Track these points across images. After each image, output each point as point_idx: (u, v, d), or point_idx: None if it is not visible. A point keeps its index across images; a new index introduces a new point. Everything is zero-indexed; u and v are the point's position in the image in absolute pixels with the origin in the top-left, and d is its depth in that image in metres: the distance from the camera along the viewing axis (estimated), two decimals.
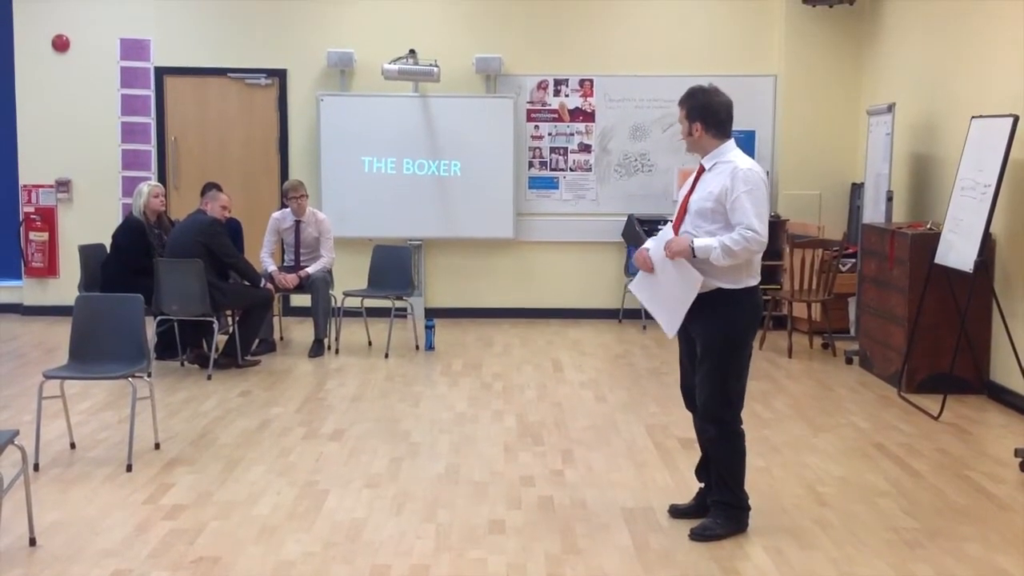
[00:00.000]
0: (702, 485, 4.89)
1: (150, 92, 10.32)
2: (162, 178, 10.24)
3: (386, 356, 8.57)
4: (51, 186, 10.32)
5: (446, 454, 5.89)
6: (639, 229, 10.07)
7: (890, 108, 8.42)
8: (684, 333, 4.71)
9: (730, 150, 4.60)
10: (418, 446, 6.05)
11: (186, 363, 8.08)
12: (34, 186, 10.32)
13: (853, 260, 9.06)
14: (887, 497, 5.18)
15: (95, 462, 5.66)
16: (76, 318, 5.83)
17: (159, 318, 7.83)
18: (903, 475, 5.54)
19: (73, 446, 5.90)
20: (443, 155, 10.31)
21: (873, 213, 8.69)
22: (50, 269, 10.39)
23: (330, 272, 8.94)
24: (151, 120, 10.35)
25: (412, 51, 10.04)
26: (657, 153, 10.40)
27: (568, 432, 6.38)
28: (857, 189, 9.77)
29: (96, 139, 10.29)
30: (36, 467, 5.43)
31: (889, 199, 8.34)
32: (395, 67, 9.94)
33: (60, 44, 10.20)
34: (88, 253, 8.56)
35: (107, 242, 8.41)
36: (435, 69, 9.95)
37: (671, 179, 10.37)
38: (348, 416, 6.71)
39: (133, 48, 10.26)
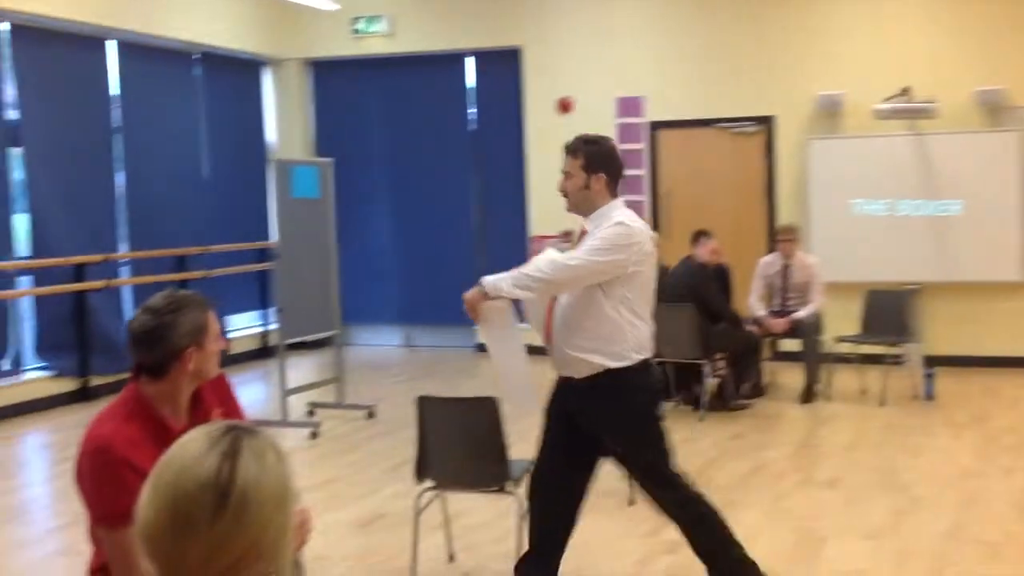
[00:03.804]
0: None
1: (644, 146, 10.87)
2: (656, 227, 10.70)
3: (881, 404, 8.26)
4: (556, 236, 11.17)
5: (951, 510, 5.55)
6: None
7: None
8: (557, 410, 4.20)
9: (616, 208, 4.08)
10: (920, 500, 5.76)
11: (678, 405, 8.34)
12: (542, 237, 11.24)
13: None
14: None
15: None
16: None
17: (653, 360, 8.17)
18: None
19: None
20: (941, 194, 9.79)
21: None
22: None
23: (819, 317, 8.81)
24: (645, 173, 10.88)
25: (905, 88, 9.69)
26: None
27: None
28: None
29: None
30: None
31: None
32: (888, 106, 9.64)
33: (565, 106, 11.07)
34: None
35: None
36: (931, 106, 9.51)
37: None
38: (843, 464, 6.56)
39: (629, 106, 10.88)
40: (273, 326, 10.74)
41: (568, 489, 4.27)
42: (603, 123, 10.92)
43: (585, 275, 3.95)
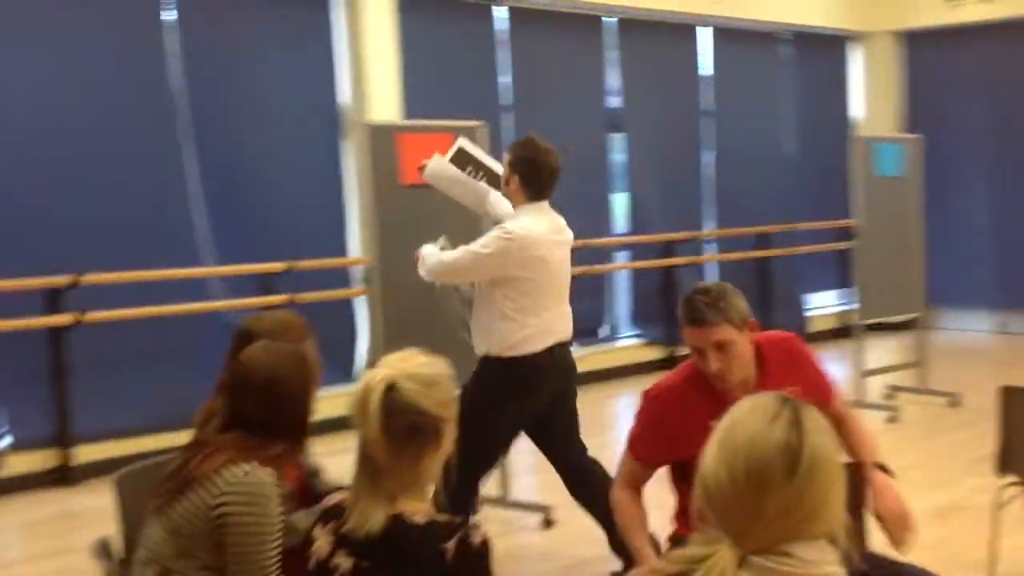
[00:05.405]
0: None
1: None
2: None
3: None
4: None
5: None
6: None
7: None
8: None
9: (523, 213, 4.29)
10: None
11: None
12: None
13: None
14: None
15: None
16: None
17: None
18: None
19: None
20: None
21: None
22: None
23: None
24: None
25: None
26: None
27: None
28: None
29: None
30: None
31: None
32: None
33: None
34: None
35: None
36: None
37: None
38: None
39: None
40: (852, 305, 10.61)
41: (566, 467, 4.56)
42: None
43: (458, 271, 4.33)
